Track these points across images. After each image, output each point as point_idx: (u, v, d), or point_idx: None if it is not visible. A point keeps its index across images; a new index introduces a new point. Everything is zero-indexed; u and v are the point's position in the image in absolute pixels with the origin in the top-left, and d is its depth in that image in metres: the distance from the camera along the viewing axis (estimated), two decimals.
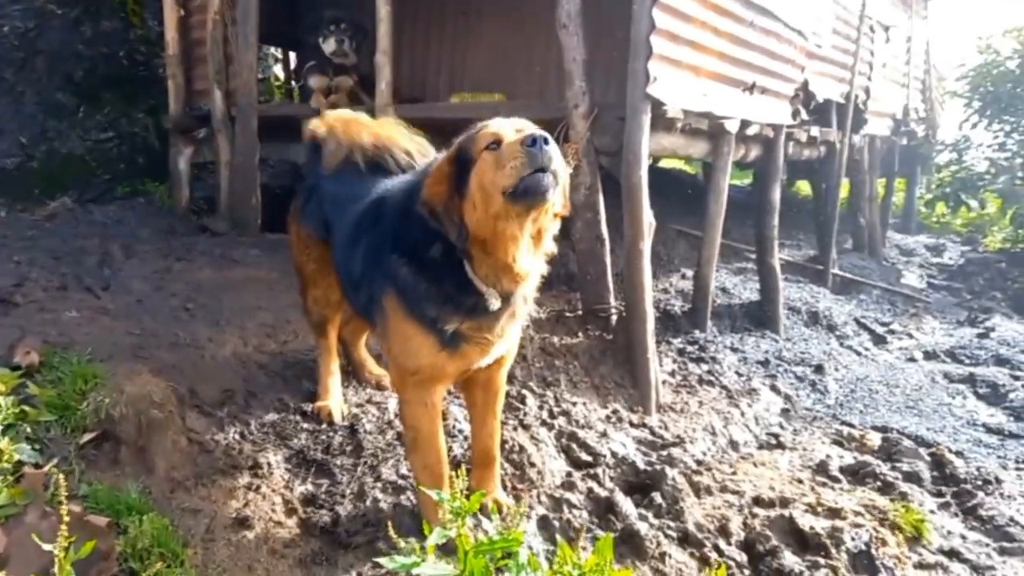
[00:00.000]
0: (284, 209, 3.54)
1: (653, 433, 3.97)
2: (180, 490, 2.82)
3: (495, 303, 2.30)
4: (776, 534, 3.10)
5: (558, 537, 2.84)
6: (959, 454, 4.46)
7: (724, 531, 3.08)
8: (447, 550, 1.99)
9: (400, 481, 2.96)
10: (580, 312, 4.79)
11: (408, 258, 2.36)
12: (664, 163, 11.13)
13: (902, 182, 12.30)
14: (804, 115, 6.59)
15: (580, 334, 4.62)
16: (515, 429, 3.47)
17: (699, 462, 3.74)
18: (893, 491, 3.76)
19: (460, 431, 3.35)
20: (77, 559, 1.81)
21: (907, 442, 4.46)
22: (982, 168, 11.71)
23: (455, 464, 3.16)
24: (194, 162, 6.65)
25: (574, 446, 3.52)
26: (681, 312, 5.81)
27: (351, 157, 3.00)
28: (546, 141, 2.03)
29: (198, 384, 3.30)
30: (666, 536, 2.96)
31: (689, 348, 5.38)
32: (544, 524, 2.91)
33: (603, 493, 3.15)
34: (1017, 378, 6.02)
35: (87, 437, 2.80)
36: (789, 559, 2.97)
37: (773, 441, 4.48)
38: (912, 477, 3.99)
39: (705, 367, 5.14)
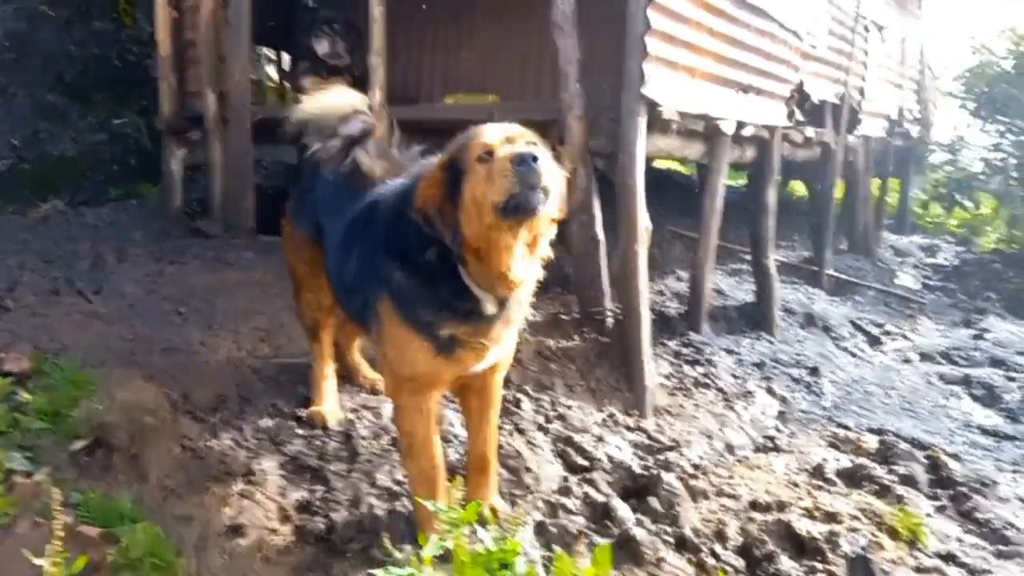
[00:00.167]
0: (278, 211, 3.51)
1: (649, 437, 3.95)
2: (173, 497, 2.79)
3: (491, 308, 2.29)
4: (773, 539, 3.09)
5: (554, 543, 2.84)
6: (955, 456, 4.45)
7: (721, 536, 3.06)
8: (443, 559, 1.98)
9: (395, 487, 2.94)
10: (576, 315, 4.77)
11: (402, 263, 2.35)
12: (659, 164, 11.12)
13: (897, 183, 12.31)
14: (799, 116, 6.59)
15: (576, 337, 4.60)
16: (511, 434, 3.46)
17: (695, 466, 3.72)
18: (889, 494, 3.74)
19: (456, 436, 3.33)
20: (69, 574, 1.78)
21: (903, 444, 4.44)
22: (977, 169, 11.75)
23: (451, 470, 3.14)
24: (187, 164, 6.61)
25: (570, 450, 3.50)
26: (677, 314, 5.80)
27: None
28: (535, 158, 2.02)
29: (191, 389, 3.28)
30: (663, 541, 2.94)
31: (685, 350, 5.36)
32: (541, 530, 2.89)
33: (600, 498, 3.13)
34: (1012, 379, 6.02)
35: (79, 444, 2.77)
36: (786, 564, 2.95)
37: (769, 444, 4.46)
38: (908, 480, 3.98)
39: (701, 370, 5.13)
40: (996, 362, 6.48)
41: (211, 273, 4.78)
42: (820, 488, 3.71)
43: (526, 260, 2.24)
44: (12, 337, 3.36)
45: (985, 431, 5.10)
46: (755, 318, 6.32)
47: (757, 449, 4.40)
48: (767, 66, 5.84)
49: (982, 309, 8.29)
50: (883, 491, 3.78)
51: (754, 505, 3.35)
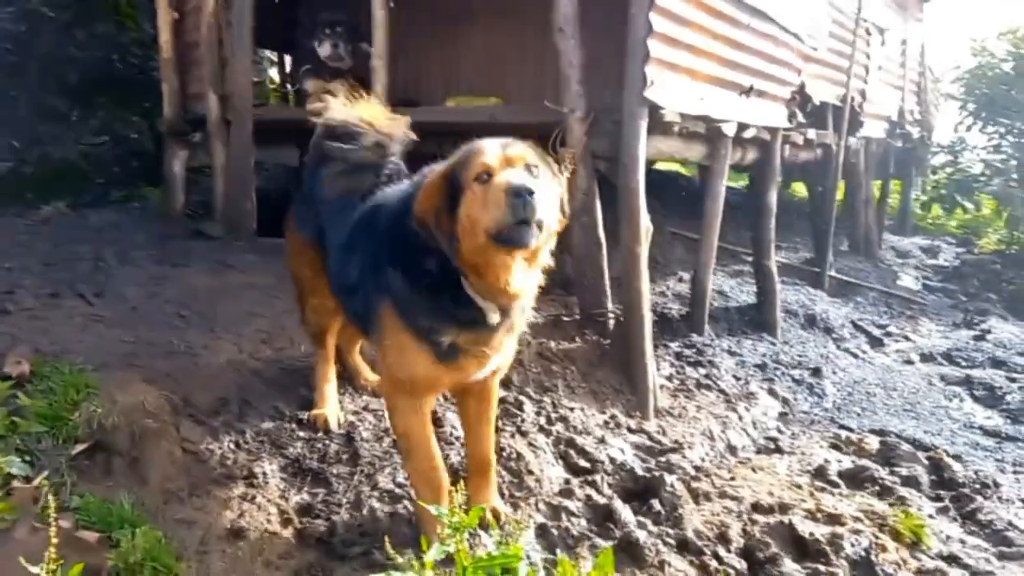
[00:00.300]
0: (280, 213, 3.50)
1: (651, 438, 3.95)
2: (174, 501, 2.78)
3: (494, 317, 2.28)
4: (776, 541, 3.09)
5: (557, 546, 2.84)
6: (957, 457, 4.45)
7: (723, 538, 3.06)
8: (445, 563, 1.97)
9: (397, 490, 2.93)
10: (577, 317, 4.76)
11: (404, 269, 2.34)
12: (660, 166, 11.11)
13: (898, 184, 12.31)
14: (800, 118, 6.59)
15: (577, 339, 4.59)
16: (512, 436, 3.45)
17: (697, 468, 3.72)
18: (892, 496, 3.74)
19: (457, 438, 3.32)
20: None
21: (905, 446, 4.45)
22: (977, 170, 11.73)
23: (452, 472, 3.13)
24: (189, 166, 6.61)
25: (572, 452, 3.50)
26: (678, 316, 5.80)
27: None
28: (530, 192, 2.00)
29: (192, 392, 3.26)
30: (665, 544, 2.93)
31: (686, 352, 5.36)
32: (543, 532, 2.89)
33: (602, 500, 3.13)
34: (1013, 380, 6.02)
35: (79, 448, 2.75)
36: (789, 566, 2.95)
37: (771, 445, 4.46)
38: (910, 481, 3.98)
39: (703, 371, 5.12)
40: (997, 363, 6.48)
41: (213, 275, 4.77)
42: (822, 490, 3.71)
43: (525, 273, 2.24)
44: (12, 340, 3.35)
45: (987, 432, 5.10)
46: (757, 319, 6.32)
47: (759, 450, 4.40)
48: (768, 68, 5.84)
49: (983, 310, 8.28)
50: (885, 492, 3.78)
51: (756, 507, 3.35)
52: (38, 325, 3.70)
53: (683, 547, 2.95)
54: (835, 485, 3.80)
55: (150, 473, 2.84)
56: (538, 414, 3.74)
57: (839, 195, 8.44)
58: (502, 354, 2.50)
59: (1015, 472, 4.43)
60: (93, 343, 3.53)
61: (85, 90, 6.92)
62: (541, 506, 3.03)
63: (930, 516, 3.63)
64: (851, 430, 4.85)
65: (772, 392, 5.20)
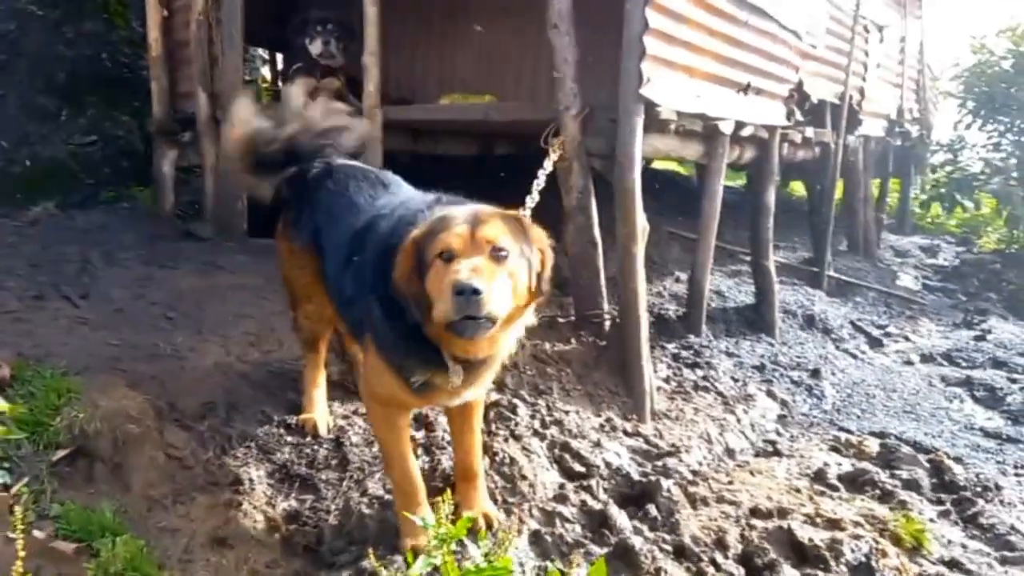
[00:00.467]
0: (271, 214, 3.42)
1: (648, 442, 3.88)
2: (157, 508, 2.72)
3: (457, 380, 2.31)
4: (774, 546, 3.02)
5: (550, 553, 2.77)
6: (958, 460, 4.39)
7: (721, 544, 3.00)
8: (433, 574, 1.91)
9: (387, 496, 2.87)
10: (573, 318, 4.70)
11: (384, 305, 2.33)
12: (657, 164, 11.06)
13: (896, 183, 12.26)
14: (798, 116, 6.53)
15: (573, 340, 4.53)
16: (506, 440, 3.38)
17: (695, 472, 3.66)
18: (892, 499, 3.68)
19: (449, 442, 3.25)
20: None
21: (905, 448, 4.39)
22: (977, 169, 11.67)
23: (445, 477, 3.07)
24: (179, 166, 6.51)
25: (567, 457, 3.44)
26: (675, 316, 5.73)
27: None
28: (475, 292, 1.96)
29: (178, 396, 3.20)
30: (661, 550, 2.87)
31: (684, 353, 5.29)
32: (536, 539, 2.83)
33: (597, 506, 3.07)
34: (1014, 381, 5.96)
35: (60, 454, 2.70)
36: (788, 573, 2.89)
37: (770, 448, 4.40)
38: (911, 484, 3.92)
39: (700, 373, 5.06)
40: (998, 363, 6.42)
41: (201, 277, 4.69)
42: (822, 494, 3.65)
43: (494, 341, 2.25)
44: None
45: (988, 433, 5.04)
46: (755, 320, 6.26)
47: (758, 454, 4.34)
48: (766, 66, 5.78)
49: (983, 310, 8.22)
50: (886, 496, 3.72)
51: (755, 512, 3.29)
52: (21, 328, 3.64)
53: (680, 554, 2.89)
54: (835, 489, 3.74)
55: (133, 480, 2.78)
56: (532, 417, 3.68)
57: (838, 194, 8.38)
58: (477, 387, 2.53)
59: (1017, 474, 4.37)
60: (77, 346, 3.47)
61: (74, 89, 6.83)
62: (535, 512, 2.97)
63: (931, 520, 3.57)
64: (851, 432, 4.79)
65: (770, 394, 5.14)
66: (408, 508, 2.50)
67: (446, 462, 3.12)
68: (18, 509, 1.78)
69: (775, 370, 5.60)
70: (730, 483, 3.58)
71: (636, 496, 3.26)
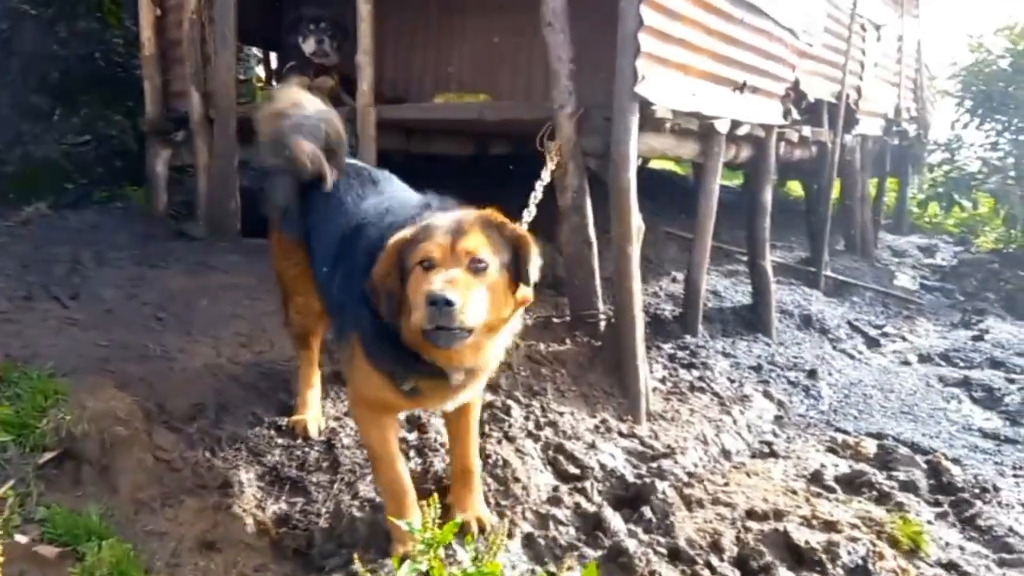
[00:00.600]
0: (263, 213, 3.39)
1: (643, 443, 3.85)
2: (145, 511, 2.68)
3: (458, 378, 2.29)
4: (770, 549, 3.00)
5: (544, 556, 2.74)
6: (956, 461, 4.37)
7: (716, 547, 2.97)
8: None
9: (378, 498, 2.84)
10: (567, 318, 4.67)
11: (372, 312, 2.30)
12: (653, 164, 11.04)
13: (894, 182, 12.23)
14: (795, 115, 6.51)
15: (567, 341, 4.50)
16: (499, 442, 3.35)
17: (690, 473, 3.63)
18: (889, 501, 3.65)
19: (442, 444, 3.23)
20: None
21: (903, 449, 4.37)
22: (974, 168, 11.64)
23: (437, 480, 3.04)
24: (172, 165, 6.48)
25: (561, 458, 3.41)
26: (671, 317, 5.70)
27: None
28: (448, 303, 1.96)
29: (167, 398, 3.17)
30: (656, 553, 2.84)
31: (680, 354, 5.26)
32: (529, 542, 2.80)
33: (591, 508, 3.04)
34: (1012, 381, 5.94)
35: (46, 457, 2.67)
36: None
37: (766, 449, 4.38)
38: (908, 486, 3.89)
39: (696, 373, 5.03)
40: (996, 363, 6.40)
41: (193, 277, 4.66)
42: (819, 495, 3.61)
43: (476, 351, 2.23)
44: None
45: (986, 434, 5.02)
46: (751, 320, 6.23)
47: (754, 455, 4.31)
48: (763, 64, 5.75)
49: (981, 309, 8.21)
50: (883, 498, 3.69)
51: (751, 514, 3.26)
52: (10, 328, 3.61)
53: (675, 556, 2.86)
54: (831, 490, 3.71)
55: (121, 482, 2.75)
56: (526, 419, 3.65)
57: (835, 193, 8.36)
58: (470, 391, 2.51)
59: (1015, 476, 4.34)
60: (66, 347, 3.43)
61: (67, 88, 6.78)
62: (528, 515, 2.94)
63: (928, 522, 3.54)
64: (848, 433, 4.77)
65: (767, 394, 5.11)
66: (398, 512, 2.48)
67: (438, 464, 3.09)
68: (1, 513, 1.74)
69: (772, 371, 5.58)
70: (726, 485, 3.55)
71: (631, 498, 3.23)
